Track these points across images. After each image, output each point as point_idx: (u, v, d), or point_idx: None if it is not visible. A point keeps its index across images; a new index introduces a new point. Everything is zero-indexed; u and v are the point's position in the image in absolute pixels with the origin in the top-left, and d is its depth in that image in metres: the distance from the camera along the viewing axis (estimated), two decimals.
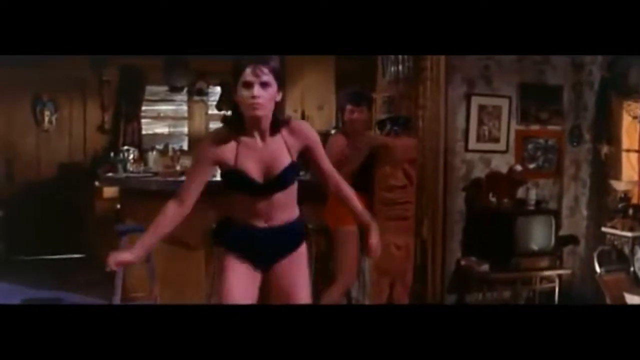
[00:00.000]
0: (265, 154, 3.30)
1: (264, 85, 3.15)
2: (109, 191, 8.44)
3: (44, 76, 9.31)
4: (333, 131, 7.68)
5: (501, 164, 6.63)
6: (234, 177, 3.30)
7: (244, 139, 3.29)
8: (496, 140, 6.65)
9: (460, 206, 6.53)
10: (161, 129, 10.25)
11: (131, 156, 7.82)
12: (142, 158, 8.08)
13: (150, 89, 10.04)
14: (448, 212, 6.44)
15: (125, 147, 8.35)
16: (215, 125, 9.92)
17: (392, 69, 7.05)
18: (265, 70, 3.14)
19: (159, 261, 5.78)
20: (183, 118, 10.24)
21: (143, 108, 9.98)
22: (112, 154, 8.62)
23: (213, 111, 10.04)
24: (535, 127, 6.82)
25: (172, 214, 3.32)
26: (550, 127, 6.87)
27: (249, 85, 3.14)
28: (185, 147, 9.96)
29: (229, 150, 3.27)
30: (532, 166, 6.79)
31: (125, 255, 3.32)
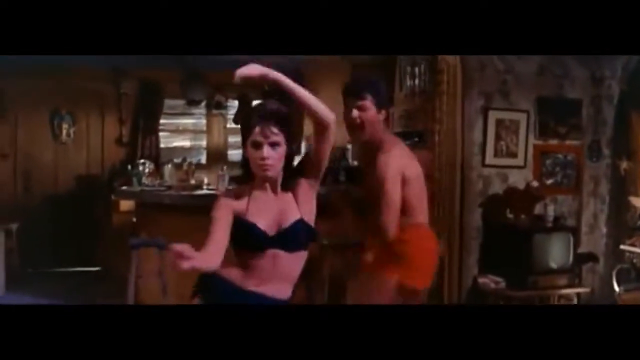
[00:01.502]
0: (275, 207, 3.20)
1: (273, 145, 3.07)
2: (126, 204, 8.43)
3: (62, 89, 9.35)
4: (349, 146, 7.67)
5: (519, 179, 6.53)
6: (242, 227, 3.16)
7: (256, 192, 3.20)
8: (514, 155, 6.56)
9: (477, 222, 6.43)
10: (180, 142, 10.24)
11: (146, 169, 7.80)
12: (158, 171, 8.05)
13: (169, 102, 10.04)
14: (465, 228, 6.35)
15: (141, 161, 8.32)
16: (234, 139, 9.94)
17: (409, 82, 6.99)
18: (275, 130, 3.05)
19: (171, 275, 5.74)
20: (202, 131, 10.21)
21: (162, 121, 9.99)
22: (129, 167, 8.61)
23: (232, 124, 10.00)
24: (553, 142, 6.72)
25: (202, 266, 2.99)
26: (568, 142, 6.77)
27: (258, 145, 3.06)
28: (203, 160, 9.93)
29: (241, 202, 3.18)
30: (550, 182, 6.69)
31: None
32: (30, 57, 7.66)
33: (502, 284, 6.13)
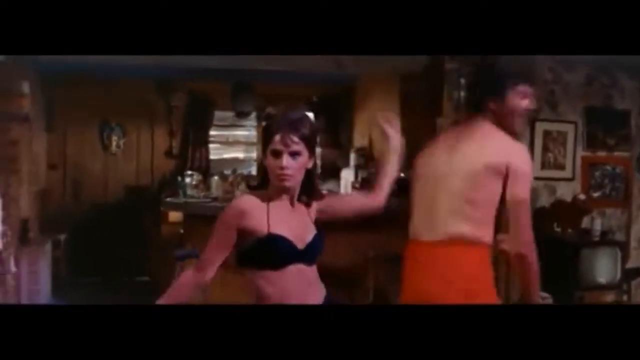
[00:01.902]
0: (294, 219, 3.08)
1: (294, 154, 2.95)
2: (174, 215, 8.48)
3: (111, 101, 9.47)
4: None
5: (567, 192, 6.43)
6: (269, 244, 2.99)
7: (273, 203, 3.05)
8: (561, 167, 6.47)
9: None
10: (231, 154, 10.28)
11: (193, 181, 7.86)
12: (205, 183, 8.10)
13: (219, 114, 10.07)
14: None
15: (189, 172, 8.40)
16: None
17: (457, 93, 6.93)
18: (296, 139, 2.92)
19: (214, 288, 5.75)
20: (252, 143, 10.24)
21: (212, 133, 10.03)
22: (179, 179, 8.68)
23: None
24: (602, 154, 6.60)
25: (189, 285, 3.09)
26: (617, 154, 6.64)
27: (277, 154, 2.94)
28: (254, 172, 9.95)
29: (260, 216, 3.00)
30: (598, 194, 6.57)
31: None
32: (80, 68, 7.96)
33: (549, 300, 6.01)
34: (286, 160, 2.93)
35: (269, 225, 2.98)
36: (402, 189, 7.00)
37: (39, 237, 8.25)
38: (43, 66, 8.13)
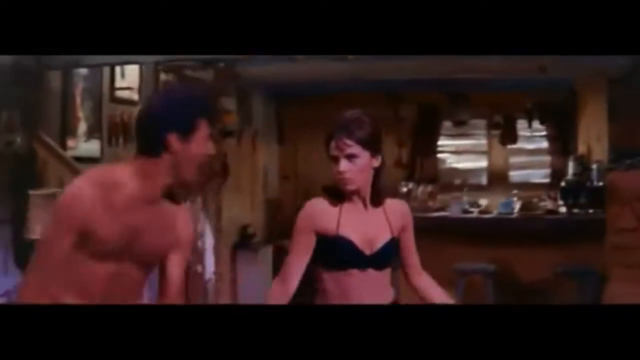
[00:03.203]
0: (367, 223, 3.06)
1: (350, 157, 2.97)
2: None
3: (342, 113, 9.68)
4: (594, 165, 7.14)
5: None
6: (335, 246, 3.05)
7: (346, 204, 3.07)
8: None
9: None
10: (460, 163, 10.10)
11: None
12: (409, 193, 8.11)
13: (448, 123, 9.99)
14: None
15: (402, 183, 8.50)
16: (516, 159, 9.63)
17: None
18: (349, 142, 2.97)
19: None
20: (482, 152, 9.97)
21: (441, 142, 9.93)
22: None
23: (514, 145, 9.67)
24: None
25: (275, 296, 3.11)
26: None
27: (335, 159, 3.01)
28: (484, 182, 9.71)
29: (330, 217, 3.05)
30: None
31: None
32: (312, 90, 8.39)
33: None
34: (343, 164, 2.98)
35: (338, 226, 3.03)
36: (596, 200, 6.56)
37: (260, 243, 8.65)
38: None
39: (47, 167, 6.50)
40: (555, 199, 7.41)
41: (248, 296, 8.14)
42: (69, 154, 6.97)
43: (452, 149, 10.10)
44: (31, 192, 5.77)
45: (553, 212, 7.19)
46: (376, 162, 3.04)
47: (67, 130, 7.09)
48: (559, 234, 6.68)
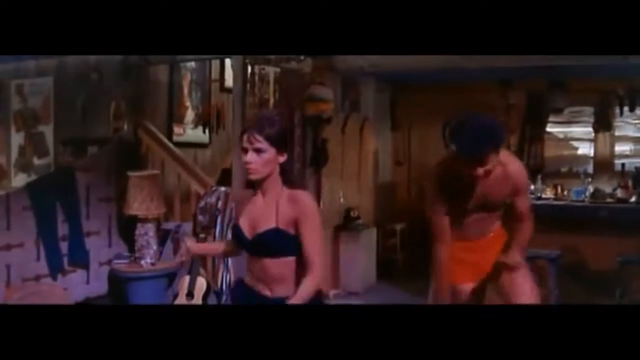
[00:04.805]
0: (258, 211, 3.42)
1: (258, 151, 3.28)
2: None
3: (454, 102, 9.91)
4: None
5: None
6: (233, 230, 3.59)
7: (254, 196, 3.48)
8: None
9: None
10: (567, 150, 10.04)
11: None
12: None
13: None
14: None
15: None
16: (621, 147, 9.50)
17: None
18: (259, 137, 3.26)
19: None
20: (589, 140, 9.88)
21: (549, 129, 9.94)
22: None
23: (619, 132, 9.53)
24: None
25: None
26: None
27: (245, 150, 3.34)
28: (589, 169, 9.65)
29: (242, 206, 3.56)
30: None
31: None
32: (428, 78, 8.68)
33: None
34: (250, 155, 3.32)
35: (239, 214, 3.56)
36: None
37: (363, 225, 9.04)
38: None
39: (150, 152, 7.24)
40: (626, 188, 7.37)
41: (349, 275, 8.63)
42: (176, 140, 7.69)
43: (561, 136, 10.04)
44: (129, 173, 6.45)
45: (623, 200, 7.16)
46: (282, 158, 3.35)
47: (173, 118, 7.80)
48: (626, 223, 6.70)
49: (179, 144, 7.53)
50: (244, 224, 3.45)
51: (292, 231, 3.29)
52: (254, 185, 3.44)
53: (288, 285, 3.33)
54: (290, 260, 3.33)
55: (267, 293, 3.37)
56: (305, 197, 3.36)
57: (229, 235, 4.53)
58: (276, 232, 3.30)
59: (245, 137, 3.32)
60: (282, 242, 3.31)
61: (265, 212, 3.36)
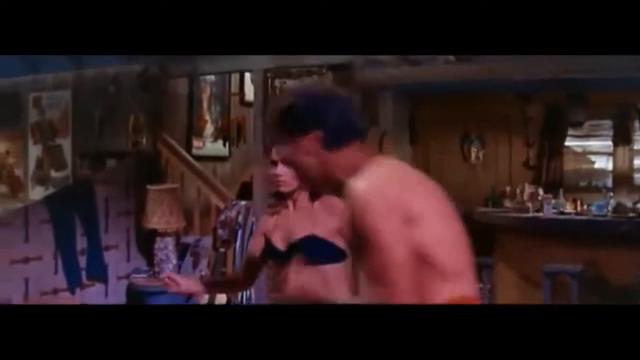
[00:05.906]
0: (290, 222, 3.42)
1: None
2: None
3: (472, 115, 9.87)
4: None
5: None
6: (264, 245, 3.51)
7: (282, 209, 3.49)
8: None
9: None
10: (585, 164, 9.98)
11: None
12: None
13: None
14: None
15: None
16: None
17: None
18: None
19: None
20: (608, 154, 9.81)
21: (567, 144, 9.88)
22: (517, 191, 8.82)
23: (638, 146, 9.47)
24: None
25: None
26: None
27: (274, 163, 3.35)
28: (609, 184, 9.57)
29: (271, 222, 3.50)
30: None
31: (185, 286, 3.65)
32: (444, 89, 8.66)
33: None
34: (280, 168, 3.30)
35: (267, 228, 3.52)
36: None
37: None
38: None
39: (170, 165, 7.21)
40: None
41: None
42: (195, 153, 7.67)
43: (579, 150, 9.98)
44: (149, 186, 6.44)
45: None
46: None
47: (192, 131, 7.79)
48: None
49: (199, 158, 7.53)
50: (275, 237, 3.42)
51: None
52: (282, 197, 3.42)
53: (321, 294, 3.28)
54: (326, 268, 3.32)
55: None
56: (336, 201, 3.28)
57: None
58: (315, 240, 3.31)
59: (274, 150, 3.29)
60: (319, 248, 3.31)
61: (298, 222, 3.37)
